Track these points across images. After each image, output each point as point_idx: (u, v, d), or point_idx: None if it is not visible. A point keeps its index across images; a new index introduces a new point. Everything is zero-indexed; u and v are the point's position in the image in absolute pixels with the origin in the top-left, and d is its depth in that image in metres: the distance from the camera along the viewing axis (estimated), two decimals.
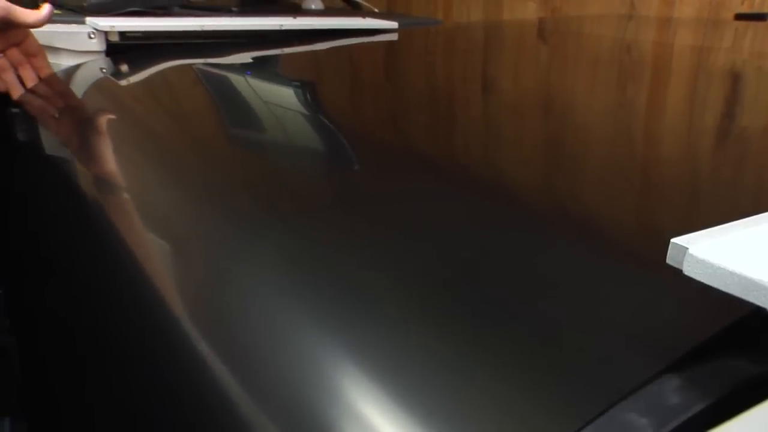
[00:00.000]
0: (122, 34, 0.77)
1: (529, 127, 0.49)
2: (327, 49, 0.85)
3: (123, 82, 0.70)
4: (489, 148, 0.44)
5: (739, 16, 0.84)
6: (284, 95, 0.63)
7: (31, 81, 0.65)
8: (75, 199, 0.42)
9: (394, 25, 0.93)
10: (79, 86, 0.69)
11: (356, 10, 0.98)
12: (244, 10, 0.94)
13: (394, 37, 0.92)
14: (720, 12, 0.86)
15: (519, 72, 0.73)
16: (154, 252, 0.31)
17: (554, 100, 0.58)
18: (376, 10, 0.98)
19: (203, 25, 0.82)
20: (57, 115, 0.60)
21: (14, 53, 0.63)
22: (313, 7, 0.96)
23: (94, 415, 0.24)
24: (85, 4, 0.78)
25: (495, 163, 0.41)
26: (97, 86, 0.69)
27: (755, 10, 0.82)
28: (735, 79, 0.65)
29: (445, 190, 0.34)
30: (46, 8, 0.59)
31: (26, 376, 0.34)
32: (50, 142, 0.55)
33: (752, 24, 0.81)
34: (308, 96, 0.62)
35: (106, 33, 0.76)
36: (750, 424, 0.17)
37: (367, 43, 0.89)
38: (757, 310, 0.17)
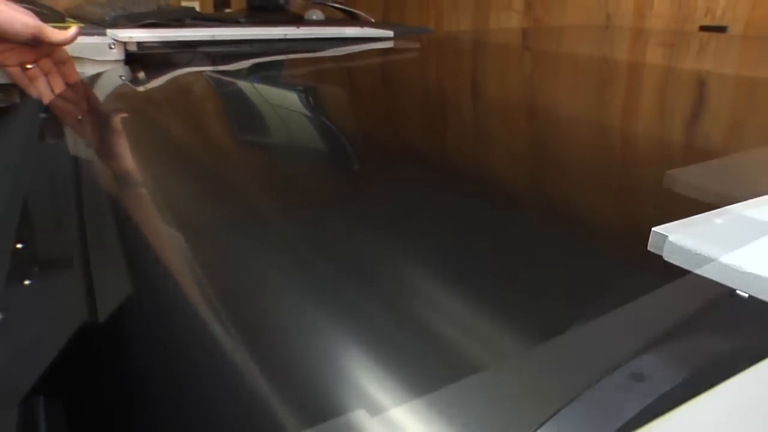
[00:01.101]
0: (140, 44, 0.78)
1: (506, 120, 0.49)
2: (331, 56, 0.86)
3: (140, 88, 0.72)
4: (472, 140, 0.45)
5: (703, 28, 0.88)
6: (289, 99, 0.64)
7: (58, 88, 0.67)
8: (96, 194, 0.42)
9: (389, 33, 0.94)
10: (100, 92, 0.70)
11: (354, 20, 1.00)
12: (251, 21, 0.95)
13: (390, 44, 0.94)
14: (686, 24, 0.89)
15: (497, 72, 0.75)
16: (174, 242, 0.31)
17: (530, 98, 0.59)
18: (372, 20, 0.99)
19: (213, 35, 0.84)
20: (80, 118, 0.61)
21: (45, 62, 0.65)
22: (314, 17, 0.98)
23: (124, 396, 0.23)
24: (106, 18, 0.79)
25: (479, 155, 0.41)
26: (117, 92, 0.70)
27: (716, 22, 0.85)
28: (701, 83, 0.68)
29: (436, 181, 0.35)
30: (73, 29, 0.61)
31: (59, 357, 0.35)
32: (76, 143, 0.56)
33: (715, 35, 0.84)
34: (311, 99, 0.64)
35: (125, 43, 0.77)
36: (724, 396, 0.17)
37: (366, 50, 0.90)
38: (731, 291, 0.18)
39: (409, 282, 0.24)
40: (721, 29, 0.84)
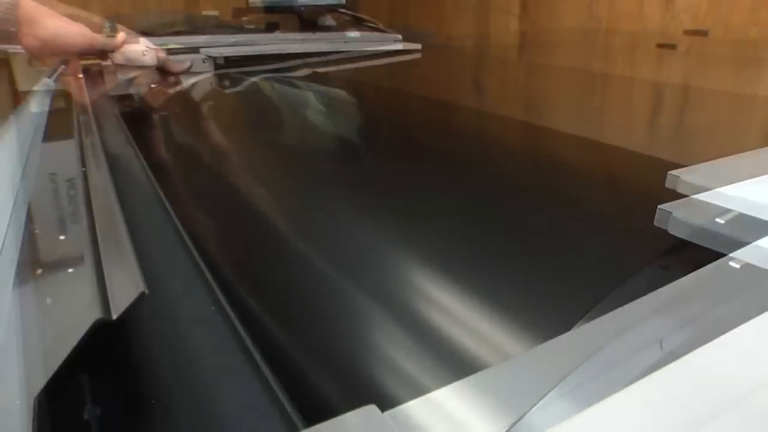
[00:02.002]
0: (169, 51, 0.81)
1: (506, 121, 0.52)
2: (346, 58, 0.89)
3: (170, 90, 0.75)
4: (466, 128, 0.48)
5: (687, 32, 0.92)
6: (302, 95, 0.68)
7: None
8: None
9: (398, 37, 0.98)
10: (134, 94, 0.73)
11: (363, 25, 1.03)
12: (268, 28, 0.98)
13: (399, 45, 0.97)
14: (671, 27, 0.93)
15: (494, 77, 0.78)
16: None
17: (521, 95, 0.62)
18: (380, 25, 1.03)
19: (236, 41, 0.87)
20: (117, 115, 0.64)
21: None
22: (326, 23, 1.01)
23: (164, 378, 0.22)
24: (138, 27, 0.81)
25: (471, 143, 0.44)
26: (148, 94, 0.74)
27: (699, 26, 0.89)
28: (686, 81, 0.71)
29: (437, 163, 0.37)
30: (121, 34, 0.64)
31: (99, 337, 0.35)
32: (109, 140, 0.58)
33: (697, 38, 0.88)
34: (315, 95, 0.67)
35: (156, 50, 0.80)
36: (712, 351, 0.17)
37: (379, 51, 0.93)
38: (726, 258, 0.20)
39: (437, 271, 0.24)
40: (702, 33, 0.88)
